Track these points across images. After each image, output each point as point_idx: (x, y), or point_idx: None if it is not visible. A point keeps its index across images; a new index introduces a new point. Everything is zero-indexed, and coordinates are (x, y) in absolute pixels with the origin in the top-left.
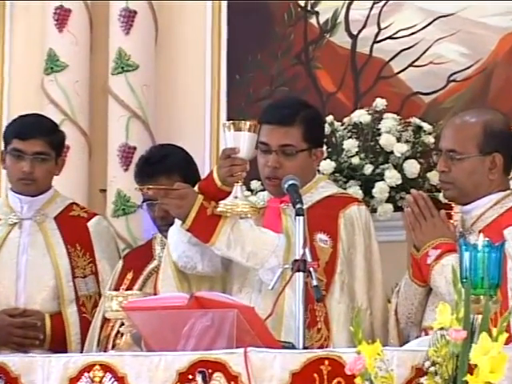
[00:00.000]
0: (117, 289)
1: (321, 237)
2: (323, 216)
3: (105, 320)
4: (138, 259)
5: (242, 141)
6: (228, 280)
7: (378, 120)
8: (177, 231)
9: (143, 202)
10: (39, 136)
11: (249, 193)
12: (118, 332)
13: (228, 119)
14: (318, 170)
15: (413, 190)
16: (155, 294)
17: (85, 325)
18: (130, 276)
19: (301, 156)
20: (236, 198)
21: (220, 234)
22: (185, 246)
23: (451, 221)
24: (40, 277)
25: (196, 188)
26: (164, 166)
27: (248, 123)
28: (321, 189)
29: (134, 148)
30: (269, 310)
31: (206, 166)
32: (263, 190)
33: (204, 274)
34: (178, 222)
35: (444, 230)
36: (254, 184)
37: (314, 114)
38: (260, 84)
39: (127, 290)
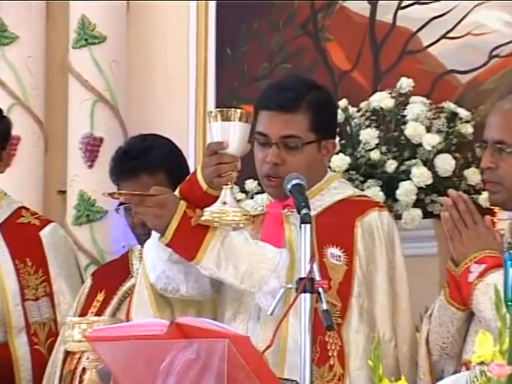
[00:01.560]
0: (84, 313)
1: (333, 251)
2: (336, 225)
3: (68, 352)
4: (111, 276)
5: (231, 133)
6: (219, 305)
7: (403, 105)
8: (154, 246)
9: (120, 205)
10: None
11: (243, 195)
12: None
13: (217, 103)
14: (329, 167)
15: (451, 191)
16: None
17: (37, 359)
18: (100, 297)
19: (307, 149)
20: (225, 203)
21: (207, 249)
22: (164, 264)
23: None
24: None
25: (176, 192)
26: (147, 160)
27: (239, 111)
28: (333, 190)
29: (101, 140)
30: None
31: (189, 163)
32: (261, 192)
33: (189, 297)
34: (155, 234)
35: (490, 241)
36: (250, 184)
37: (324, 98)
38: (257, 60)
39: (97, 314)
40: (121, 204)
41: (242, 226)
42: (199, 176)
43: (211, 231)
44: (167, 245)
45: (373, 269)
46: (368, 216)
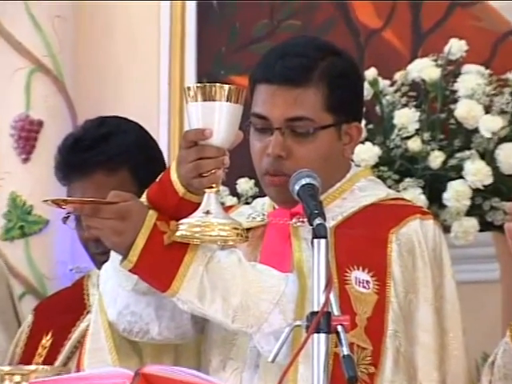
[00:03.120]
0: (27, 361)
1: (358, 275)
2: (362, 239)
3: None
4: (61, 313)
5: (216, 117)
6: (204, 349)
7: (452, 76)
8: (114, 272)
9: (68, 214)
10: None
11: (234, 199)
12: None
13: (198, 75)
14: (352, 161)
15: None
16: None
17: None
18: (47, 342)
19: (323, 136)
20: (208, 213)
21: (186, 276)
22: (128, 296)
23: None
24: None
25: (143, 198)
26: (102, 153)
27: (227, 87)
28: (359, 192)
29: (40, 123)
30: None
31: None
32: (260, 196)
33: (163, 341)
34: (115, 256)
35: None
36: (243, 184)
37: (345, 66)
38: (253, 16)
39: (44, 363)
40: (70, 213)
41: (231, 243)
42: (173, 176)
43: (191, 251)
44: (131, 270)
45: (413, 298)
46: (407, 226)
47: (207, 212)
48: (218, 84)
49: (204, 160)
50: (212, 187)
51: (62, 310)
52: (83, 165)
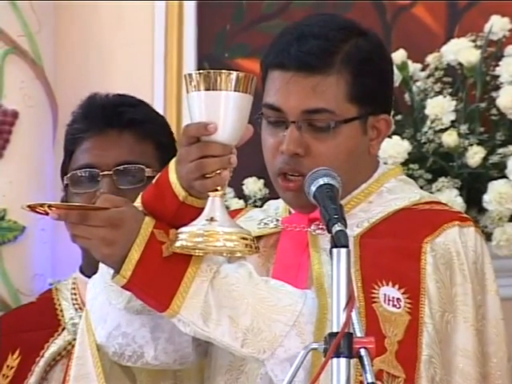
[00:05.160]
0: None
1: (388, 292)
2: (392, 250)
3: None
4: (29, 329)
5: (222, 109)
6: (208, 376)
7: (494, 59)
8: (104, 288)
9: None
10: None
11: (241, 201)
12: None
13: (199, 60)
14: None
15: None
16: None
17: None
18: (14, 361)
19: (346, 131)
20: (212, 220)
21: (188, 294)
22: (120, 315)
23: None
24: None
25: (138, 202)
26: (140, 114)
27: (234, 74)
28: (388, 195)
29: (15, 114)
30: None
31: None
32: (271, 197)
33: (160, 367)
34: (105, 269)
35: None
36: (251, 185)
37: (371, 50)
38: None
39: None
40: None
41: (239, 255)
42: (172, 177)
43: (194, 265)
44: (125, 286)
45: (451, 319)
46: (443, 235)
47: (211, 219)
48: (224, 71)
49: (208, 159)
50: (217, 190)
51: (31, 327)
52: (117, 118)
